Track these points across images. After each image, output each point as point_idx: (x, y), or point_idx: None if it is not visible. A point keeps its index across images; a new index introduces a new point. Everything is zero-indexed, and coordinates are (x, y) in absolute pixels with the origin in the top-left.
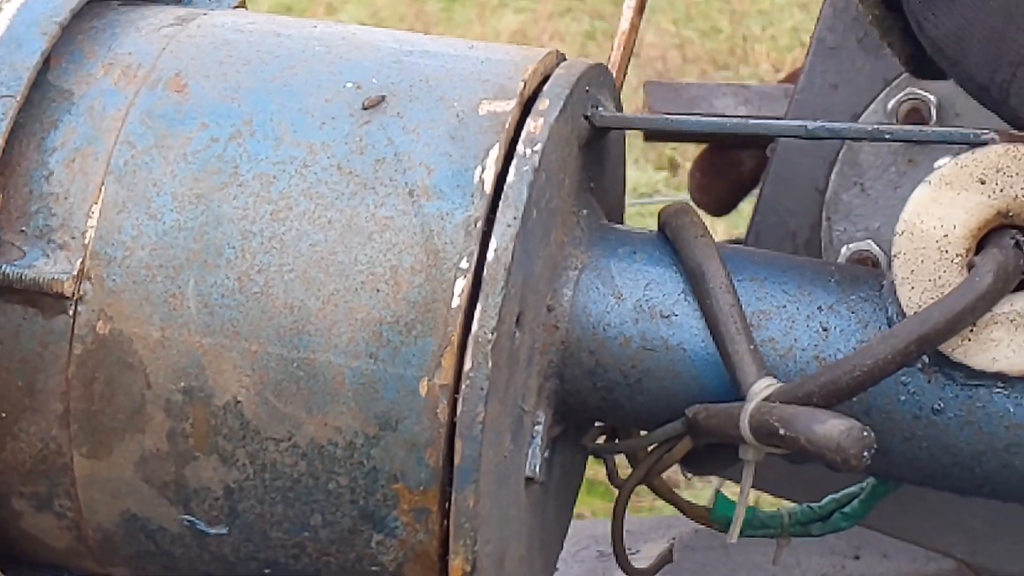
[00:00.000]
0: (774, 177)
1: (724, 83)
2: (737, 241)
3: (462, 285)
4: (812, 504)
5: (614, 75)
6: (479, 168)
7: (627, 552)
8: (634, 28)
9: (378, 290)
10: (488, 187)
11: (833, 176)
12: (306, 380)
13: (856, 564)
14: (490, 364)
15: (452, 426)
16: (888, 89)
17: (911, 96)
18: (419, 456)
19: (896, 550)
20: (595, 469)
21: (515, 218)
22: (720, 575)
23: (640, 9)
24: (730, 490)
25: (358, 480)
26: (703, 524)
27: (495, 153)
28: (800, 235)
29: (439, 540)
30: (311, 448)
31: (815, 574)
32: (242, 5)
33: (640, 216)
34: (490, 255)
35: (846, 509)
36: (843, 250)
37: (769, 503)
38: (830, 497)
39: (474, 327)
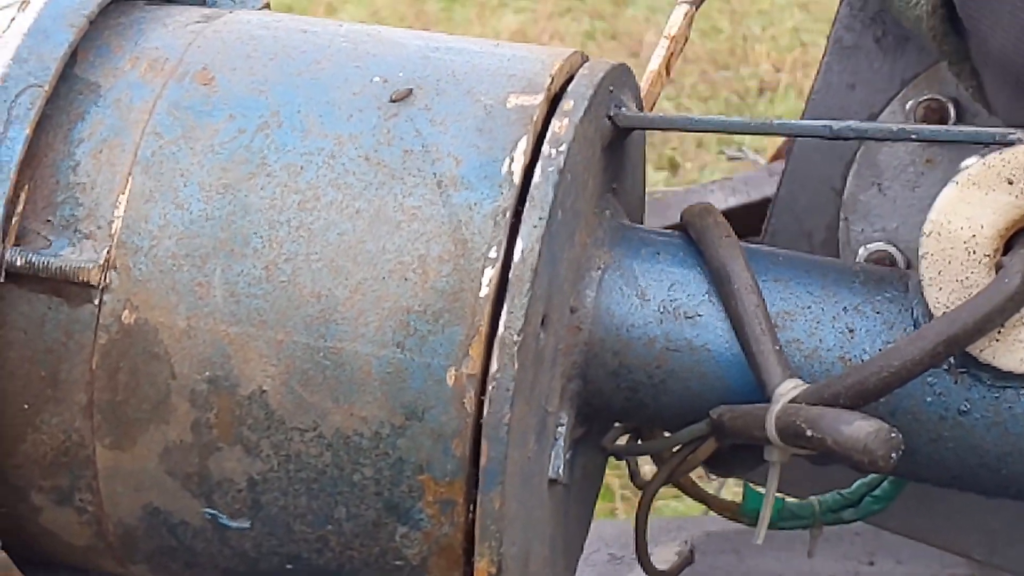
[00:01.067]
0: (790, 177)
1: (710, 182)
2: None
3: (491, 275)
4: (842, 491)
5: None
6: (507, 159)
7: None
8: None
9: (406, 279)
10: (516, 178)
11: (850, 176)
12: (332, 369)
13: (870, 570)
14: (516, 365)
15: (479, 418)
16: (906, 89)
17: (929, 96)
18: (445, 447)
19: (910, 556)
20: None
21: (541, 219)
22: None
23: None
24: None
25: (383, 471)
26: (732, 519)
27: (523, 145)
28: (816, 235)
29: (464, 533)
30: (336, 438)
31: None
32: (267, 6)
33: None
34: (516, 255)
35: (876, 492)
36: (860, 251)
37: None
38: (860, 482)
39: (500, 329)
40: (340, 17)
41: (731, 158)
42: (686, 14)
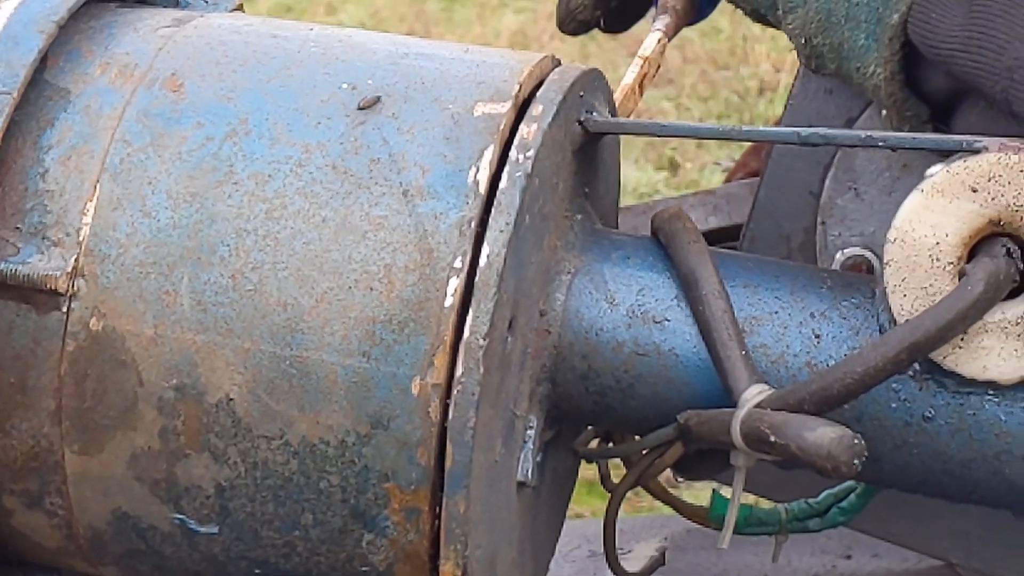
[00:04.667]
0: (769, 181)
1: (690, 194)
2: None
3: (455, 284)
4: (809, 500)
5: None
6: (473, 169)
7: (619, 551)
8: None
9: (371, 288)
10: (482, 188)
11: (828, 180)
12: (298, 378)
13: (847, 563)
14: (482, 369)
15: (444, 426)
16: None
17: None
18: (410, 455)
19: (887, 550)
20: (595, 470)
21: (508, 224)
22: (711, 575)
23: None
24: (725, 491)
25: (349, 479)
26: (701, 524)
27: (489, 155)
28: (795, 239)
29: (429, 540)
30: (303, 446)
31: (806, 574)
32: (240, 8)
33: None
34: (482, 260)
35: (843, 504)
36: (837, 255)
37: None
38: (827, 492)
39: (466, 333)
40: (340, 17)
41: (726, 169)
42: (659, 40)
